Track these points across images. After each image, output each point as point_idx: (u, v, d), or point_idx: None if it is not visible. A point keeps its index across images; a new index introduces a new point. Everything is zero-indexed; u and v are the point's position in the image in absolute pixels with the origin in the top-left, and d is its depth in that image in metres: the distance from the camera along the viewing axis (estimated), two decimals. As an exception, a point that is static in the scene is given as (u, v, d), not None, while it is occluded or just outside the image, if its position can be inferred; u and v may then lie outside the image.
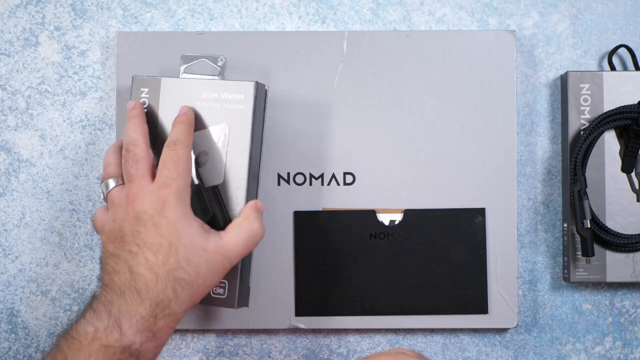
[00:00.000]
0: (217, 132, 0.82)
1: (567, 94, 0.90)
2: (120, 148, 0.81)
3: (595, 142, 0.89)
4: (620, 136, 0.90)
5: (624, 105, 0.89)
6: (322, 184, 0.90)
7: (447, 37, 0.90)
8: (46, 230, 0.92)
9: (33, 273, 0.92)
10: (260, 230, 0.79)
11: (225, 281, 0.82)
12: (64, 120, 0.92)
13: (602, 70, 0.91)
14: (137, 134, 0.79)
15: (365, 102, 0.90)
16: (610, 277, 0.89)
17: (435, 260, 0.89)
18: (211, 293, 0.82)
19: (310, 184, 0.90)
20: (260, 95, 0.83)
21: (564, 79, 0.91)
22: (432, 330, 0.92)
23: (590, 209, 0.88)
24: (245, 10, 0.93)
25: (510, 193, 0.89)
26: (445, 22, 0.93)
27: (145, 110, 0.83)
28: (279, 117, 0.89)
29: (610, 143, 0.89)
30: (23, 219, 0.92)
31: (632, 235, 0.88)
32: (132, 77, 0.84)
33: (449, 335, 0.91)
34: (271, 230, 0.89)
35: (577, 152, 0.88)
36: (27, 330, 0.92)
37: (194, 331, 0.91)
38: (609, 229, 0.89)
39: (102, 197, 0.82)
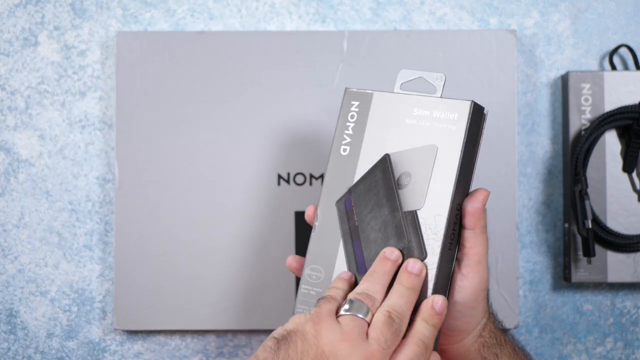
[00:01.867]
0: (423, 152, 0.75)
1: (568, 93, 0.90)
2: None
3: (596, 142, 0.89)
4: (621, 136, 0.89)
5: (625, 105, 0.88)
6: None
7: (447, 37, 0.90)
8: (45, 231, 0.92)
9: (32, 273, 0.91)
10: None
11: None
12: (64, 120, 0.92)
13: (603, 70, 0.91)
14: (409, 311, 0.68)
15: (365, 101, 0.89)
16: (612, 278, 0.89)
17: (435, 261, 0.89)
18: None
19: (310, 184, 0.90)
20: (477, 116, 0.75)
21: (564, 79, 0.91)
22: (433, 331, 0.91)
23: (591, 209, 0.88)
24: (245, 9, 0.92)
25: (511, 193, 0.89)
26: (446, 22, 0.93)
27: (353, 125, 0.77)
28: (279, 116, 0.89)
29: (611, 143, 0.89)
30: (22, 219, 0.91)
31: (633, 235, 0.88)
32: (345, 90, 0.77)
33: (449, 336, 0.91)
34: (271, 230, 0.89)
35: (578, 152, 0.88)
36: (26, 331, 0.92)
37: (194, 331, 0.91)
38: (610, 229, 0.88)
39: (346, 308, 0.68)
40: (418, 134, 0.75)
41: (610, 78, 0.89)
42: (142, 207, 0.89)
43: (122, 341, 0.92)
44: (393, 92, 0.76)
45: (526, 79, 0.92)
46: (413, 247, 0.72)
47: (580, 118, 0.89)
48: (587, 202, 0.87)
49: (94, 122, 0.92)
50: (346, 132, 0.78)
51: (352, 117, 0.77)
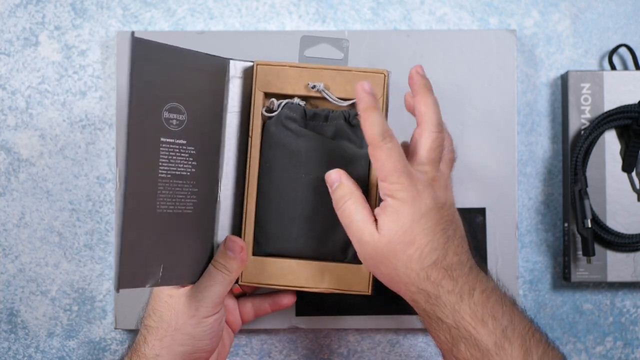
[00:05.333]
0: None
1: (568, 93, 0.90)
2: None
3: (596, 142, 0.89)
4: (620, 136, 0.89)
5: (625, 105, 0.88)
6: (322, 183, 0.90)
7: (447, 37, 0.90)
8: (46, 230, 0.92)
9: (33, 273, 0.92)
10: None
11: None
12: (64, 120, 0.92)
13: (603, 70, 0.91)
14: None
15: (365, 101, 0.89)
16: (611, 277, 0.89)
17: (435, 260, 0.89)
18: None
19: (311, 184, 0.90)
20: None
21: (564, 79, 0.91)
22: (433, 330, 0.91)
23: (591, 208, 0.88)
24: (245, 9, 0.93)
25: (511, 193, 0.89)
26: (446, 22, 0.93)
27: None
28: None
29: (610, 142, 0.89)
30: (23, 218, 0.92)
31: (633, 235, 0.88)
32: (256, 62, 0.79)
33: (449, 335, 0.91)
34: (271, 230, 0.89)
35: (577, 151, 0.88)
36: (26, 330, 0.92)
37: (194, 331, 0.91)
38: (610, 228, 0.88)
39: None
40: None
41: (610, 78, 0.89)
42: (142, 206, 0.89)
43: (123, 340, 0.92)
44: (305, 62, 0.80)
45: (526, 79, 0.92)
46: None
47: (580, 118, 0.89)
48: (586, 202, 0.87)
49: (94, 121, 0.92)
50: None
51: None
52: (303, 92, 0.79)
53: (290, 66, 0.79)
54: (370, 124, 0.69)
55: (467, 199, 0.89)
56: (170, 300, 0.75)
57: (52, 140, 0.92)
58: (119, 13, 0.92)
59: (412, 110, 0.75)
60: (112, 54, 0.92)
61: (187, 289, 0.75)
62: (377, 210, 0.71)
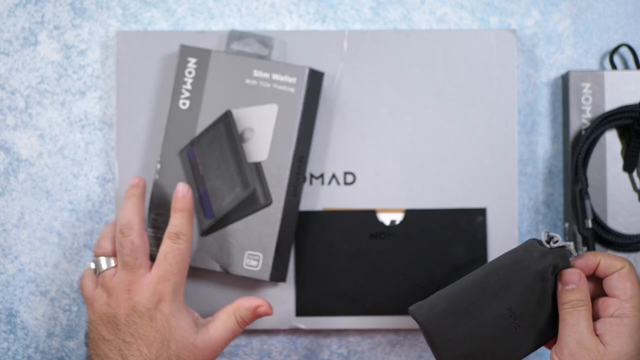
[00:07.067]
0: (265, 111, 0.84)
1: (568, 93, 0.89)
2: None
3: (597, 142, 0.89)
4: (621, 135, 0.89)
5: (626, 105, 0.88)
6: (322, 184, 0.90)
7: (447, 37, 0.90)
8: (45, 230, 0.92)
9: (32, 273, 0.92)
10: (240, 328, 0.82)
11: (259, 253, 0.84)
12: (63, 120, 0.92)
13: (604, 70, 0.91)
14: (135, 216, 0.80)
15: (365, 101, 0.89)
16: (612, 277, 0.89)
17: (435, 261, 0.89)
18: (245, 265, 0.85)
19: (311, 184, 0.90)
20: (316, 80, 0.85)
21: (565, 78, 0.91)
22: (433, 331, 0.91)
23: (592, 208, 0.88)
24: (245, 9, 0.92)
25: (511, 193, 0.89)
26: (446, 21, 0.92)
27: (192, 80, 0.84)
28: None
29: (611, 142, 0.89)
30: (22, 218, 0.91)
31: (633, 235, 0.88)
32: (180, 46, 0.86)
33: (449, 336, 0.91)
34: (271, 230, 0.89)
35: (578, 151, 0.88)
36: (26, 331, 0.92)
37: (194, 331, 0.91)
38: (611, 228, 0.88)
39: (93, 269, 0.83)
40: (258, 94, 0.84)
41: (611, 77, 0.89)
42: (142, 206, 0.89)
43: (122, 341, 0.92)
44: (231, 53, 0.85)
45: (526, 79, 0.92)
46: (259, 194, 0.83)
47: (581, 117, 0.89)
48: (587, 202, 0.87)
49: (94, 121, 0.92)
50: (184, 87, 0.86)
51: (190, 72, 0.86)
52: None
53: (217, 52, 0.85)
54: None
55: (467, 199, 0.89)
56: (195, 351, 0.79)
57: (51, 140, 0.92)
58: (118, 13, 0.92)
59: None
60: (111, 54, 0.92)
61: (205, 338, 0.80)
62: (599, 324, 0.73)
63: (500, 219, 0.89)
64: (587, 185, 0.88)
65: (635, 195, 0.89)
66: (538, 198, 0.92)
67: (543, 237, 0.74)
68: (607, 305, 0.73)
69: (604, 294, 0.74)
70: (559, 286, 0.74)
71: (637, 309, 0.72)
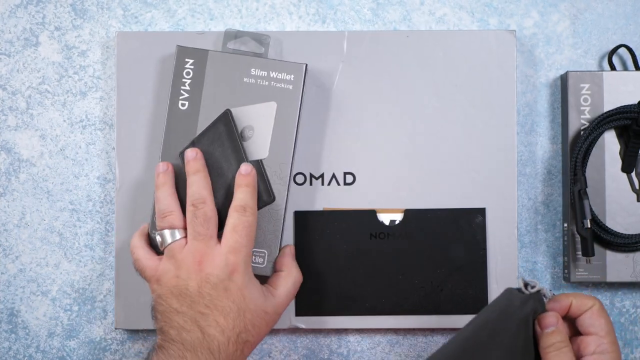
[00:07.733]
0: (264, 108, 0.85)
1: (567, 93, 0.90)
2: (175, 196, 0.83)
3: (596, 142, 0.89)
4: (620, 136, 0.90)
5: (624, 105, 0.88)
6: (322, 184, 0.90)
7: (447, 37, 0.90)
8: (46, 230, 0.92)
9: (33, 273, 0.92)
10: (300, 277, 0.86)
11: (265, 250, 0.86)
12: (64, 120, 0.92)
13: (602, 70, 0.91)
14: (206, 191, 0.82)
15: (365, 102, 0.90)
16: (611, 277, 0.89)
17: (435, 260, 0.89)
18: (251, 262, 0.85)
19: (310, 184, 0.90)
20: (306, 77, 0.87)
21: (564, 79, 0.91)
22: (432, 330, 0.92)
23: (591, 208, 0.88)
24: (245, 10, 0.93)
25: (511, 193, 0.89)
26: (446, 22, 0.93)
27: (190, 81, 0.85)
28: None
29: (610, 143, 0.89)
30: (23, 219, 0.92)
31: (632, 235, 0.88)
32: (177, 47, 0.86)
33: (449, 335, 0.91)
34: (271, 230, 0.89)
35: (577, 152, 0.88)
36: (27, 330, 0.92)
37: (194, 331, 0.91)
38: (609, 228, 0.89)
39: (157, 243, 0.83)
40: (257, 92, 0.85)
41: (610, 78, 0.89)
42: (142, 207, 0.89)
43: (123, 340, 0.92)
44: (229, 53, 0.86)
45: (525, 79, 0.93)
46: (261, 192, 0.84)
47: (580, 118, 0.90)
48: (586, 202, 0.87)
49: (94, 122, 0.92)
50: (183, 87, 0.86)
51: (188, 73, 0.86)
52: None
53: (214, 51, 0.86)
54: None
55: (467, 199, 0.89)
56: (267, 317, 0.81)
57: (52, 141, 0.92)
58: (119, 13, 0.92)
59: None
60: (112, 55, 0.92)
61: (274, 304, 0.82)
62: None
63: (500, 219, 0.89)
64: (586, 186, 0.88)
65: (634, 196, 0.89)
66: (537, 198, 0.92)
67: (520, 284, 0.75)
68: (587, 343, 0.74)
69: (578, 333, 0.75)
70: (538, 330, 0.74)
71: (615, 343, 0.74)
